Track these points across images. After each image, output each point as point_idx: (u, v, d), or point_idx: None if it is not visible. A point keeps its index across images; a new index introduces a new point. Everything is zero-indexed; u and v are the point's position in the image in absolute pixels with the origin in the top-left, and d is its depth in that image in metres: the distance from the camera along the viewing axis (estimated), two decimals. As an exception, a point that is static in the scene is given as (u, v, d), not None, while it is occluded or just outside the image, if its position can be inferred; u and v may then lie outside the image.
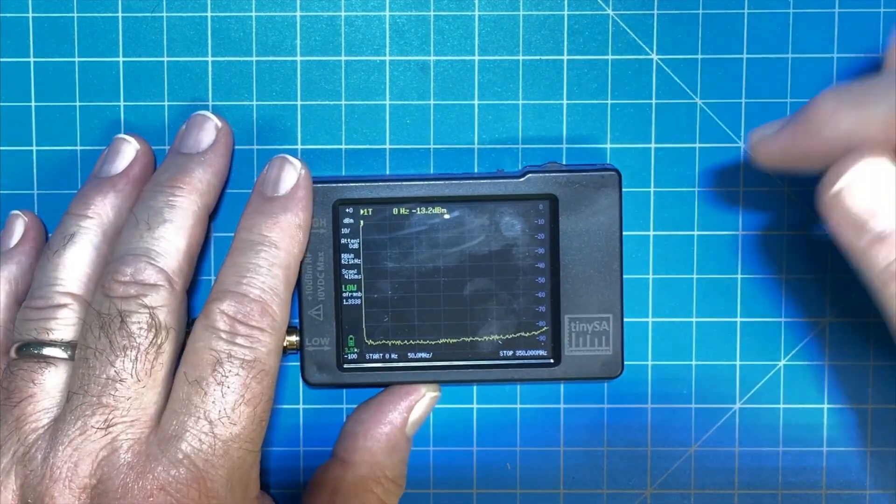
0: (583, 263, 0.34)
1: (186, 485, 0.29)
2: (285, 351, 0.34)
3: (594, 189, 0.34)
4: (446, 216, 0.35)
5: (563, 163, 0.36)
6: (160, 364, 0.31)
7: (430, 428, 0.37)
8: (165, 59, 0.36)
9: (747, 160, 0.36)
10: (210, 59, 0.36)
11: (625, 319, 0.36)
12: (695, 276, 0.37)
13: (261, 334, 0.31)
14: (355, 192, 0.34)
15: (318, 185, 0.34)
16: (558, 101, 0.36)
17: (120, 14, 0.36)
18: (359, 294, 0.35)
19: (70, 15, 0.36)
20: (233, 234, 0.33)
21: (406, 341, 0.35)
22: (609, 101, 0.36)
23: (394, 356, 0.35)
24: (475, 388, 0.37)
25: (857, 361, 0.37)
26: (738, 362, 0.37)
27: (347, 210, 0.35)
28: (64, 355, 0.31)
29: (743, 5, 0.36)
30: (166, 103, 0.36)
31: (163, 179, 0.33)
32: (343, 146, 0.36)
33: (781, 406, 0.37)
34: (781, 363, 0.37)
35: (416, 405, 0.35)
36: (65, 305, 0.32)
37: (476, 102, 0.36)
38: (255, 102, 0.36)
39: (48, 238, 0.35)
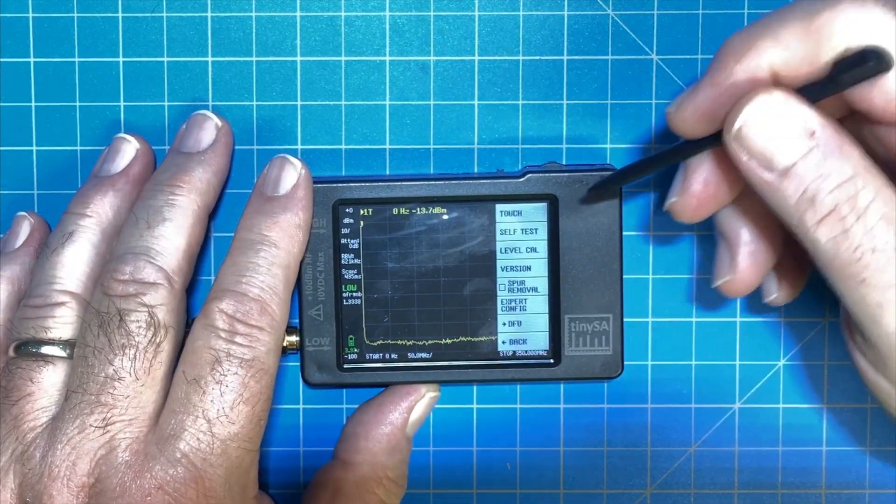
0: (583, 263, 0.34)
1: (184, 484, 0.29)
2: (285, 351, 0.34)
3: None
4: (446, 216, 0.35)
5: (563, 163, 0.36)
6: (159, 363, 0.31)
7: (430, 428, 0.37)
8: (165, 59, 0.36)
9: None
10: (210, 59, 0.36)
11: (625, 319, 0.36)
12: (695, 276, 0.37)
13: (260, 333, 0.31)
14: (355, 192, 0.34)
15: (318, 185, 0.34)
16: (558, 101, 0.36)
17: (120, 14, 0.36)
18: (359, 294, 0.35)
19: (70, 15, 0.36)
20: (233, 234, 0.33)
21: (406, 341, 0.35)
22: (609, 101, 0.36)
23: (394, 356, 0.35)
24: (475, 388, 0.37)
25: (857, 362, 0.37)
26: (737, 362, 0.37)
27: (347, 210, 0.35)
28: (62, 354, 0.31)
29: (743, 5, 0.36)
30: (166, 103, 0.36)
31: (163, 179, 0.33)
32: (343, 146, 0.36)
33: (781, 406, 0.37)
34: (781, 363, 0.37)
35: (416, 405, 0.35)
36: (63, 304, 0.32)
37: (476, 102, 0.36)
38: (255, 102, 0.36)
39: (50, 238, 0.35)
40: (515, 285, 0.35)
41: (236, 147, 0.36)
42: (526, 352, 0.35)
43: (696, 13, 0.36)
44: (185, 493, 0.29)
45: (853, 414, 0.37)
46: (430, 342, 0.35)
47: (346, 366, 0.35)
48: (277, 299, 0.32)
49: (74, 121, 0.36)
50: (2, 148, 0.36)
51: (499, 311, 0.35)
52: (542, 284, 0.35)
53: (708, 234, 0.36)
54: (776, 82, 0.27)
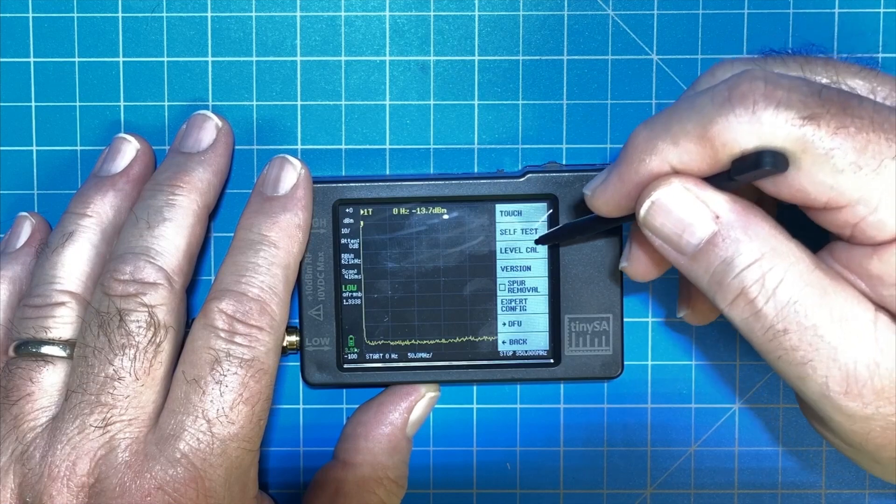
0: (583, 263, 0.34)
1: (184, 484, 0.29)
2: (285, 351, 0.34)
3: (594, 189, 0.34)
4: (446, 216, 0.35)
5: (563, 163, 0.36)
6: (159, 363, 0.31)
7: (430, 428, 0.37)
8: (165, 59, 0.36)
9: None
10: (210, 59, 0.36)
11: (625, 319, 0.36)
12: (695, 276, 0.37)
13: (259, 333, 0.31)
14: (355, 192, 0.34)
15: (318, 185, 0.34)
16: (558, 101, 0.36)
17: (120, 14, 0.36)
18: (359, 294, 0.35)
19: (70, 15, 0.36)
20: (233, 234, 0.33)
21: (406, 341, 0.35)
22: (609, 101, 0.36)
23: (394, 356, 0.35)
24: (475, 388, 0.37)
25: (857, 362, 0.37)
26: (737, 362, 0.37)
27: (347, 210, 0.35)
28: (62, 354, 0.31)
29: (743, 5, 0.36)
30: (166, 103, 0.36)
31: (163, 179, 0.33)
32: (343, 146, 0.36)
33: (781, 406, 0.37)
34: (781, 363, 0.37)
35: (416, 405, 0.35)
36: (63, 304, 0.32)
37: (476, 102, 0.36)
38: (255, 102, 0.36)
39: (50, 239, 0.35)
40: (515, 285, 0.35)
41: (236, 147, 0.36)
42: (526, 352, 0.35)
43: (696, 13, 0.36)
44: (185, 493, 0.29)
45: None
46: (430, 342, 0.35)
47: (346, 366, 0.35)
48: (277, 299, 0.32)
49: (74, 121, 0.36)
50: (2, 148, 0.36)
51: (499, 311, 0.35)
52: (542, 284, 0.35)
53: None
54: (680, 173, 0.27)
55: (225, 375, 0.30)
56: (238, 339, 0.31)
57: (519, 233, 0.35)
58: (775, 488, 0.37)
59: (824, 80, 0.28)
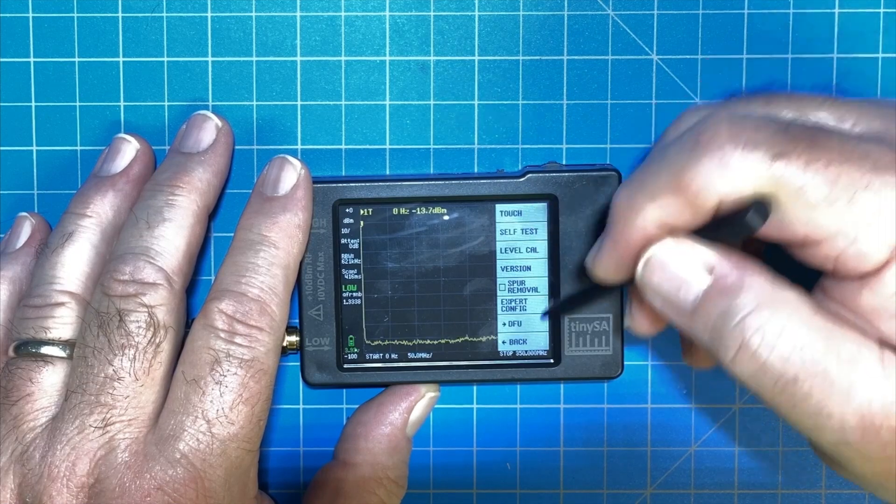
0: (583, 263, 0.34)
1: (184, 484, 0.29)
2: (285, 351, 0.34)
3: (594, 189, 0.34)
4: (446, 216, 0.35)
5: (563, 163, 0.36)
6: (158, 363, 0.31)
7: (430, 428, 0.37)
8: (165, 59, 0.36)
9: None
10: (210, 59, 0.36)
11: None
12: (695, 276, 0.37)
13: (259, 334, 0.31)
14: (355, 192, 0.34)
15: (318, 185, 0.34)
16: (558, 101, 0.36)
17: (120, 14, 0.36)
18: (359, 294, 0.35)
19: (70, 15, 0.36)
20: (233, 234, 0.33)
21: (406, 341, 0.35)
22: (609, 101, 0.36)
23: (394, 356, 0.35)
24: (475, 388, 0.37)
25: (857, 362, 0.37)
26: (738, 362, 0.37)
27: (347, 210, 0.35)
28: (62, 354, 0.31)
29: (743, 5, 0.36)
30: (166, 103, 0.36)
31: (163, 179, 0.33)
32: (343, 146, 0.36)
33: (781, 406, 0.37)
34: (782, 363, 0.37)
35: (416, 405, 0.35)
36: (63, 304, 0.32)
37: (476, 102, 0.36)
38: (255, 102, 0.36)
39: (51, 239, 0.35)
40: (515, 285, 0.35)
41: (236, 147, 0.36)
42: (526, 352, 0.35)
43: (696, 13, 0.36)
44: (185, 493, 0.29)
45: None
46: (430, 342, 0.35)
47: (346, 366, 0.35)
48: (277, 299, 0.32)
49: (74, 121, 0.36)
50: (2, 148, 0.36)
51: (499, 311, 0.35)
52: (542, 284, 0.35)
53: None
54: (670, 230, 0.27)
55: (225, 376, 0.30)
56: (238, 340, 0.31)
57: (519, 233, 0.35)
58: (775, 488, 0.37)
59: (790, 116, 0.28)
